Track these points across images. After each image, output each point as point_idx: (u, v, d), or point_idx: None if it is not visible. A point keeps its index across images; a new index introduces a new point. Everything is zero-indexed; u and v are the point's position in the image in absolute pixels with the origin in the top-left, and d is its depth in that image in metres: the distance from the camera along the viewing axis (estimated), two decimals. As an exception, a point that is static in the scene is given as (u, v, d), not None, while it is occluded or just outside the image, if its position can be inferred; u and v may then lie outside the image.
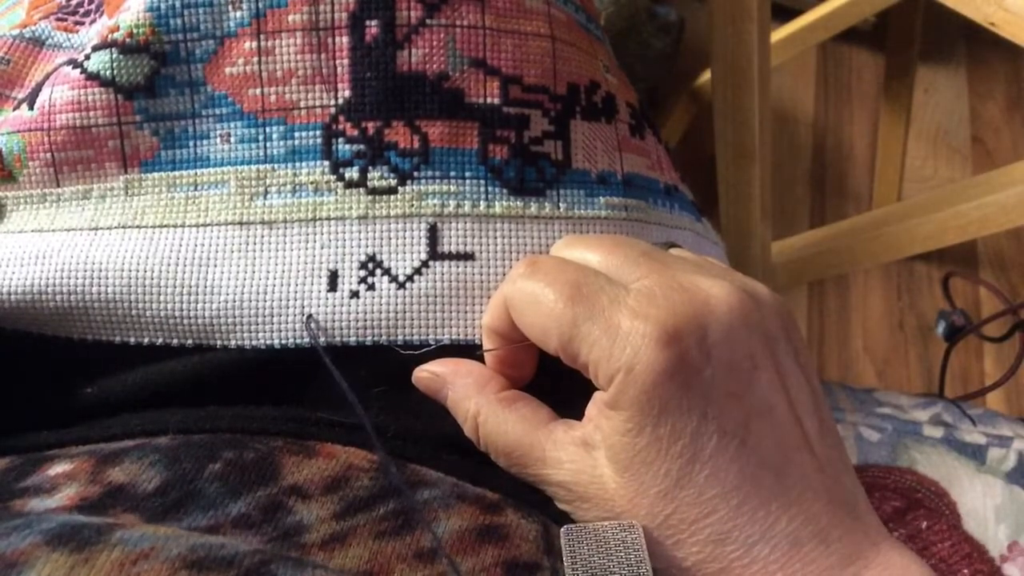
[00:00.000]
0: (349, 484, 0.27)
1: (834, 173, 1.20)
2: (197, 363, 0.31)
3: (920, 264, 1.12)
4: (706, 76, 1.04)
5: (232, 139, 0.33)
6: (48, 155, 0.32)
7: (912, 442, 0.45)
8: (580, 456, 0.28)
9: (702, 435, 0.26)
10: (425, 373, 0.31)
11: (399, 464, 0.29)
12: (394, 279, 0.31)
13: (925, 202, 0.68)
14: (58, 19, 0.37)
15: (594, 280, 0.28)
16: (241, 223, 0.32)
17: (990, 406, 0.73)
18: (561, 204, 0.33)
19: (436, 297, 0.32)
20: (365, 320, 0.31)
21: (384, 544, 0.25)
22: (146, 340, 0.31)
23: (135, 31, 0.32)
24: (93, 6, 0.36)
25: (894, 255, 0.71)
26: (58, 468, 0.27)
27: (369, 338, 0.31)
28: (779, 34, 0.96)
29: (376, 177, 0.32)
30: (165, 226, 0.32)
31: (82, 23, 0.36)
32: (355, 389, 0.30)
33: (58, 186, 0.33)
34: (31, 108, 0.33)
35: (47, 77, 0.34)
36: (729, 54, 0.65)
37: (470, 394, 0.30)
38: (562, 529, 0.26)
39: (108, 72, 0.32)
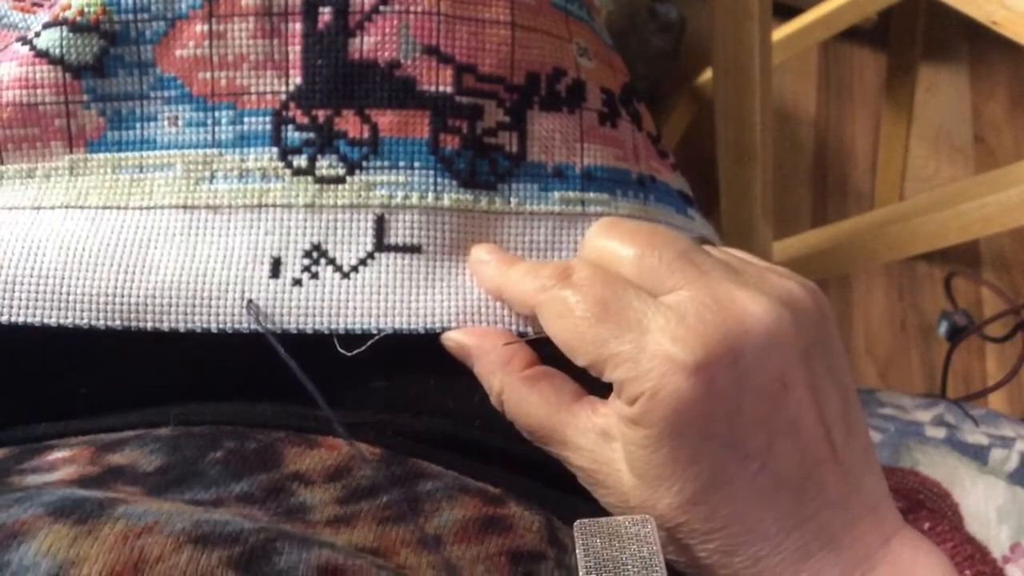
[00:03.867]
0: (352, 473, 0.27)
1: (835, 172, 1.19)
2: (190, 361, 0.31)
3: (922, 264, 1.12)
4: (707, 75, 1.04)
5: (180, 122, 0.32)
6: None
7: (914, 443, 0.45)
8: (599, 446, 0.28)
9: (721, 460, 0.26)
10: (452, 342, 0.31)
11: (400, 458, 0.28)
12: (339, 269, 0.31)
13: (927, 202, 0.68)
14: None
15: (622, 295, 0.27)
16: (185, 207, 0.32)
17: (992, 406, 0.73)
18: (512, 199, 0.33)
19: (381, 287, 0.31)
20: (307, 308, 0.31)
21: (388, 529, 0.25)
22: (71, 321, 0.30)
23: (86, 9, 0.32)
24: None
25: (896, 255, 0.71)
26: (58, 454, 0.26)
27: (310, 326, 0.31)
28: (780, 33, 0.96)
29: (324, 166, 0.32)
30: (108, 207, 0.32)
31: (40, 5, 0.36)
32: (355, 379, 0.30)
33: (1, 163, 0.32)
34: None
35: None
36: (730, 53, 0.65)
37: (494, 370, 0.30)
38: (576, 523, 0.26)
39: (57, 50, 0.32)
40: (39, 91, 0.32)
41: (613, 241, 0.29)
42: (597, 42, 0.37)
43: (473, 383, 0.31)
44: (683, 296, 0.27)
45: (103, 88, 0.32)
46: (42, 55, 0.32)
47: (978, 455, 0.44)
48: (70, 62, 0.32)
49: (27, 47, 0.32)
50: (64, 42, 0.32)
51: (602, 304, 0.27)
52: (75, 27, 0.32)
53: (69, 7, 0.32)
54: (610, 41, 0.38)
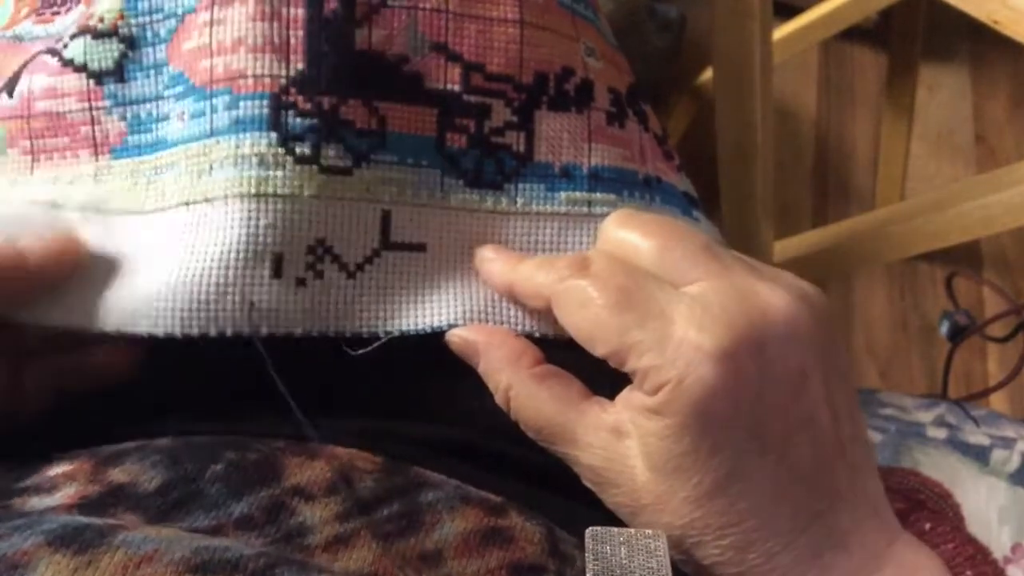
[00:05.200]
0: (352, 485, 0.27)
1: (836, 172, 1.19)
2: (191, 368, 0.31)
3: (923, 264, 1.12)
4: (707, 74, 1.04)
5: (186, 117, 0.32)
6: (27, 143, 0.32)
7: (915, 443, 0.45)
8: (611, 443, 0.28)
9: (743, 451, 0.26)
10: (457, 339, 0.31)
11: (402, 466, 0.28)
12: (344, 267, 0.31)
13: (928, 201, 0.68)
14: (38, 14, 0.37)
15: (644, 285, 0.27)
16: (187, 203, 0.31)
17: (993, 407, 0.73)
18: (519, 199, 0.33)
19: (387, 288, 0.31)
20: (312, 310, 0.30)
21: (388, 546, 0.25)
22: (76, 323, 0.30)
23: (106, 16, 0.32)
24: None
25: (897, 255, 0.71)
26: (58, 468, 0.26)
27: (316, 329, 0.30)
28: (781, 32, 0.96)
29: (331, 155, 0.31)
30: (125, 212, 0.32)
31: (58, 13, 0.36)
32: (358, 383, 0.30)
33: (31, 174, 0.33)
34: (11, 96, 0.33)
35: (25, 65, 0.33)
36: (731, 52, 0.65)
37: (502, 367, 0.30)
38: (587, 530, 0.26)
39: (81, 58, 0.32)
40: (66, 100, 0.32)
41: (633, 233, 0.29)
42: (603, 42, 0.37)
43: (476, 386, 0.31)
44: (706, 287, 0.27)
45: (123, 93, 0.32)
46: (68, 64, 0.32)
47: (979, 456, 0.44)
48: (93, 69, 0.32)
49: (56, 58, 0.32)
50: (87, 50, 0.32)
51: (624, 293, 0.27)
52: (97, 34, 0.32)
53: (92, 16, 0.32)
54: (614, 42, 0.38)
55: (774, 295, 0.27)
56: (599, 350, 0.27)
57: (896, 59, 1.05)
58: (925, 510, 0.41)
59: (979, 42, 1.27)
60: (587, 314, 0.27)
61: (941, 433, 0.45)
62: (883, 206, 1.11)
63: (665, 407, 0.26)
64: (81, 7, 0.34)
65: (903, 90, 1.06)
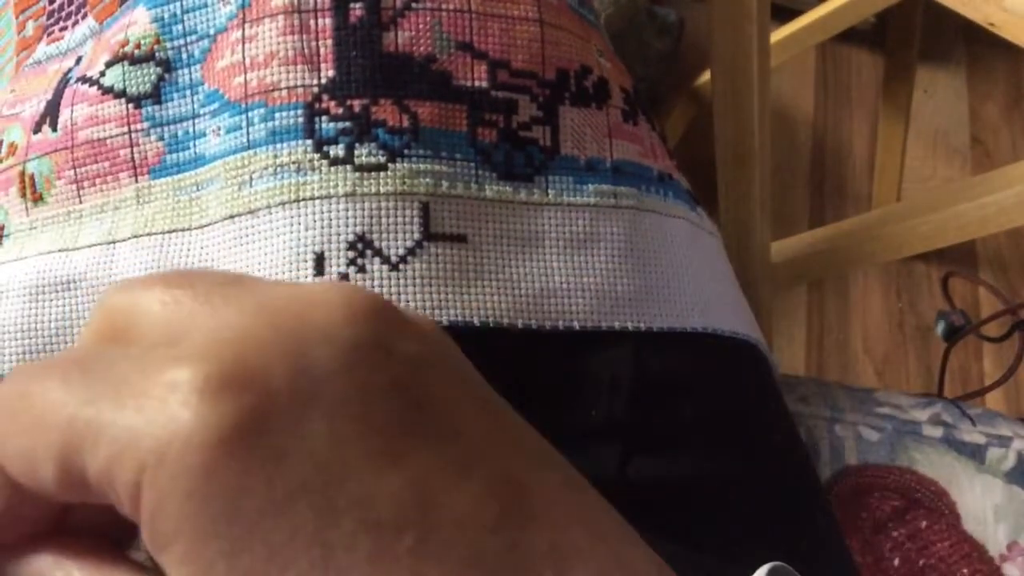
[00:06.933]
0: None
1: (834, 173, 1.20)
2: None
3: (919, 264, 1.12)
4: (706, 76, 1.04)
5: (221, 132, 0.32)
6: (71, 172, 0.33)
7: (911, 442, 0.45)
8: None
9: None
10: None
11: None
12: (386, 260, 0.31)
13: (924, 202, 0.68)
14: (47, 32, 0.37)
15: (103, 353, 0.16)
16: (231, 216, 0.31)
17: (989, 406, 0.73)
18: (550, 191, 0.33)
19: (432, 279, 0.31)
20: None
21: None
22: None
23: (142, 42, 0.33)
24: (73, 7, 0.37)
25: (893, 255, 0.71)
26: None
27: None
28: (779, 35, 0.96)
29: (364, 154, 0.31)
30: (174, 231, 0.32)
31: (66, 27, 0.37)
32: None
33: (80, 203, 0.33)
34: (54, 130, 0.33)
35: (59, 95, 0.34)
36: (729, 54, 0.65)
37: None
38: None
39: (120, 84, 0.33)
40: (107, 125, 0.33)
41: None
42: (606, 46, 0.38)
43: (530, 379, 0.30)
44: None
45: (161, 114, 0.33)
46: (108, 91, 0.33)
47: (975, 454, 0.44)
48: (131, 94, 0.33)
49: (95, 87, 0.33)
50: (126, 75, 0.33)
51: (76, 362, 0.16)
52: (134, 60, 0.33)
53: (127, 43, 0.33)
54: (612, 47, 0.39)
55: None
56: (46, 468, 0.15)
57: (893, 61, 1.06)
58: (921, 508, 0.42)
59: (975, 44, 1.28)
60: (24, 416, 0.15)
61: (937, 432, 0.46)
62: (880, 207, 1.11)
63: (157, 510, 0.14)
64: (89, 20, 0.35)
65: (900, 92, 1.06)
